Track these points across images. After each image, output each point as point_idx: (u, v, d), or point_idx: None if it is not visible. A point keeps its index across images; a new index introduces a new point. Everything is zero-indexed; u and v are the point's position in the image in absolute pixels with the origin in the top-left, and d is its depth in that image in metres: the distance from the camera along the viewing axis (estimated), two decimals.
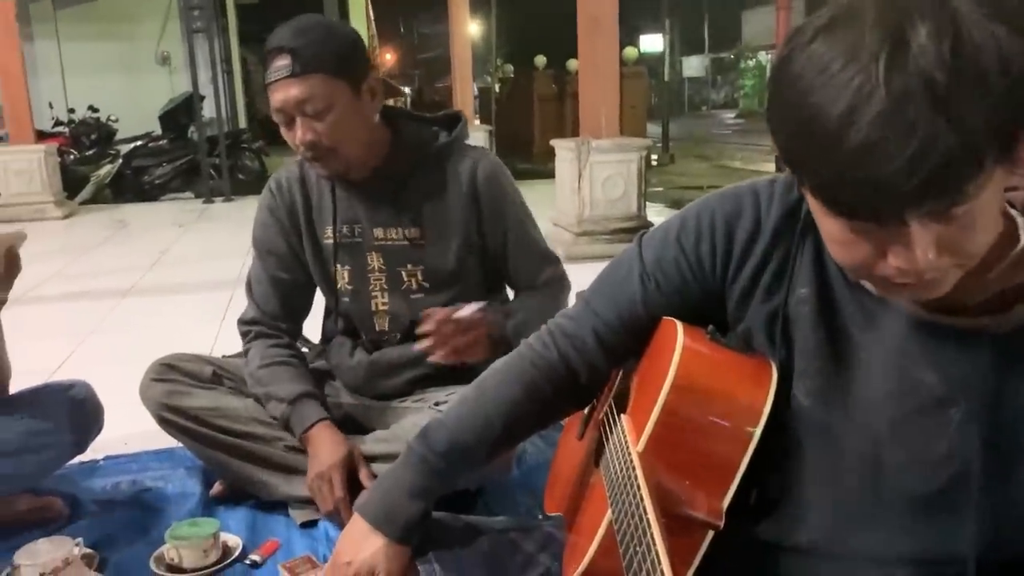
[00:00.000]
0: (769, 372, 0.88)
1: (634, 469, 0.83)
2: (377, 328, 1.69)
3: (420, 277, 1.64)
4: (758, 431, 0.85)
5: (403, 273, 1.64)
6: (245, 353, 1.72)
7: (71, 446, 1.62)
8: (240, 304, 1.78)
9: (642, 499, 0.78)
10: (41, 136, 7.57)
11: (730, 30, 27.50)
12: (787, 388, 0.87)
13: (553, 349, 1.05)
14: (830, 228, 0.70)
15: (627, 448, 0.88)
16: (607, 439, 1.02)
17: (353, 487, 1.51)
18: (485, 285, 1.68)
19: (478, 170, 1.62)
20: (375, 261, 1.65)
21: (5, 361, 1.55)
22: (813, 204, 0.70)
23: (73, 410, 1.60)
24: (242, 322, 1.74)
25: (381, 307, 1.67)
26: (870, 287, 0.79)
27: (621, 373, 1.10)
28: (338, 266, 1.67)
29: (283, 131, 1.53)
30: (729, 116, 24.90)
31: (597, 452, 1.07)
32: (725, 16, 26.63)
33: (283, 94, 1.47)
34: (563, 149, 4.45)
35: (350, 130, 1.51)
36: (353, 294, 1.68)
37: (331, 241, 1.66)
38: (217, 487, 1.73)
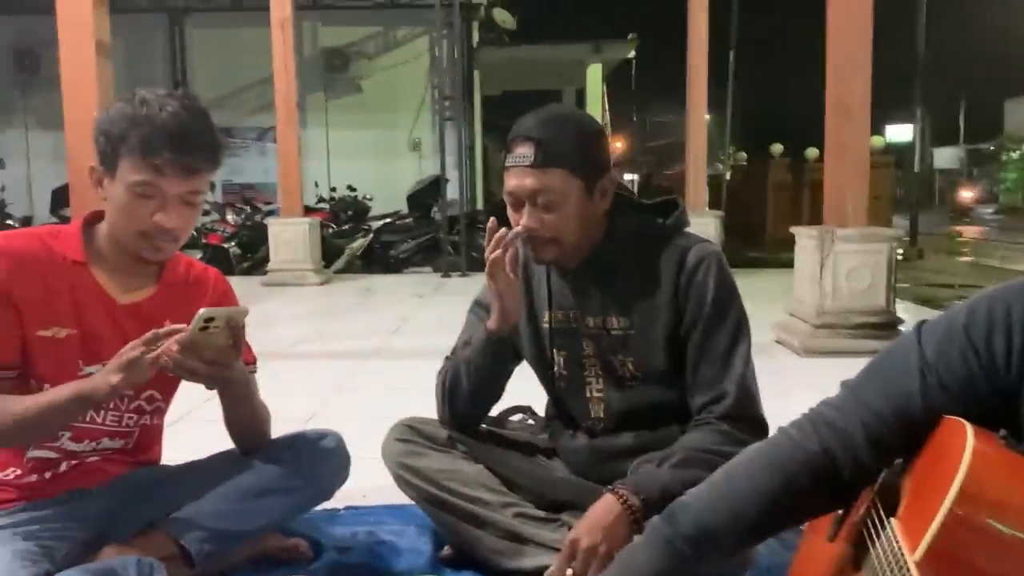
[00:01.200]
0: None
1: None
2: (592, 415, 1.67)
3: (632, 368, 1.60)
4: None
5: (615, 362, 1.61)
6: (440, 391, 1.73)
7: (319, 492, 1.71)
8: None
9: None
10: (307, 211, 8.44)
11: (989, 120, 25.47)
12: None
13: (814, 439, 0.98)
14: None
15: (902, 557, 0.79)
16: (872, 544, 0.93)
17: None
18: None
19: (687, 257, 1.55)
20: (589, 348, 1.63)
21: (263, 411, 1.68)
22: None
23: (324, 459, 1.70)
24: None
25: (596, 394, 1.65)
26: None
27: (884, 472, 1.00)
28: (554, 351, 1.68)
29: (509, 211, 1.57)
30: (987, 211, 22.83)
31: (857, 557, 0.97)
32: (984, 106, 24.76)
33: (519, 181, 1.51)
34: (804, 237, 4.27)
35: (573, 225, 1.53)
36: (568, 379, 1.68)
37: (548, 325, 1.67)
38: (447, 550, 1.76)
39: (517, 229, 1.53)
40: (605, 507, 1.44)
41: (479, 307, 1.76)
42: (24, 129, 11.67)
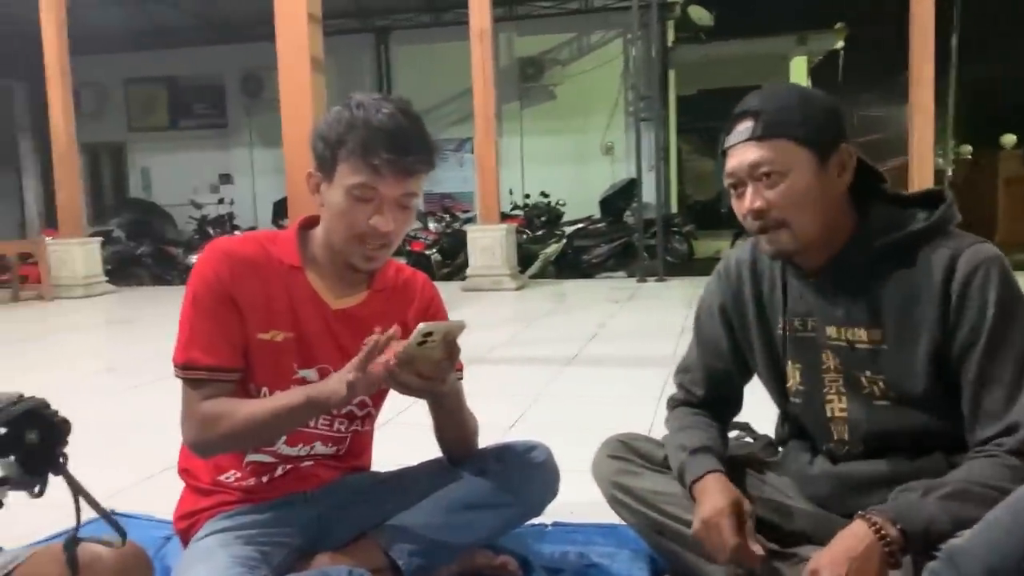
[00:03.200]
0: None
1: None
2: (835, 436, 1.45)
3: (882, 387, 1.37)
4: None
5: (862, 379, 1.39)
6: (666, 422, 1.63)
7: (528, 508, 1.64)
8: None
9: None
10: (503, 217, 8.57)
11: None
12: None
13: None
14: None
15: None
16: None
17: None
18: None
19: (958, 262, 1.29)
20: (830, 360, 1.42)
21: (471, 421, 1.62)
22: None
23: (534, 473, 1.62)
24: (669, 402, 1.66)
25: (838, 413, 1.43)
26: None
27: None
28: (789, 363, 1.48)
29: (733, 201, 1.39)
30: None
31: None
32: None
33: (739, 158, 1.34)
34: None
35: (806, 203, 1.32)
36: (804, 395, 1.47)
37: (781, 333, 1.47)
38: None
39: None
40: (855, 535, 1.23)
41: (703, 339, 1.61)
42: (249, 147, 12.75)
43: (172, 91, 13.05)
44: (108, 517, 1.02)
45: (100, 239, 8.97)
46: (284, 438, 1.50)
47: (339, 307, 1.50)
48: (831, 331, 1.41)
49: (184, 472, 1.55)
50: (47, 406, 0.99)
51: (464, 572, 1.63)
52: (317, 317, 1.48)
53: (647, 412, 2.97)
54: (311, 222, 1.53)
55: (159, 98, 13.11)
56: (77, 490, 0.98)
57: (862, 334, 1.38)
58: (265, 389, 1.45)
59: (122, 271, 9.94)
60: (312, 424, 1.51)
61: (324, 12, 4.43)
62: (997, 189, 11.31)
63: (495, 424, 2.75)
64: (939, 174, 11.14)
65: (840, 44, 12.42)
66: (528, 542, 1.82)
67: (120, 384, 4.15)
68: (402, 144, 1.36)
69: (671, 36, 11.70)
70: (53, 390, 1.16)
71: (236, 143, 12.92)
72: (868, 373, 1.39)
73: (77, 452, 1.02)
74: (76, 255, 8.22)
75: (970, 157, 12.67)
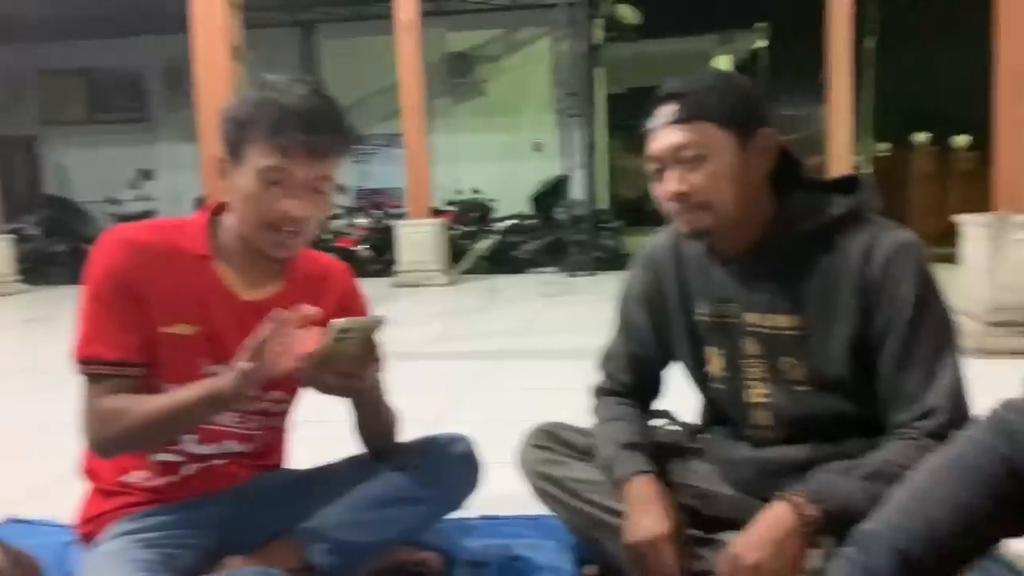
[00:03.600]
0: None
1: None
2: (755, 422, 1.45)
3: (803, 372, 1.38)
4: None
5: (783, 364, 1.39)
6: (592, 411, 1.62)
7: (450, 501, 1.60)
8: None
9: None
10: (434, 213, 8.50)
11: None
12: None
13: (1006, 441, 0.90)
14: None
15: None
16: None
17: None
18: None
19: (874, 249, 1.30)
20: (751, 347, 1.42)
21: (391, 413, 1.57)
22: None
23: (455, 465, 1.58)
24: (594, 390, 1.65)
25: (759, 399, 1.43)
26: None
27: None
28: (709, 348, 1.48)
29: (654, 185, 1.39)
30: None
31: None
32: None
33: (661, 141, 1.34)
34: (974, 226, 3.86)
35: (727, 186, 1.32)
36: (725, 381, 1.47)
37: (702, 319, 1.48)
38: (590, 568, 1.61)
39: None
40: (776, 517, 1.23)
41: (625, 326, 1.61)
42: (171, 142, 12.36)
43: (90, 83, 12.56)
44: None
45: (12, 236, 8.58)
46: (196, 436, 1.43)
47: (250, 299, 1.43)
48: (752, 317, 1.41)
49: (88, 473, 1.47)
50: None
51: (384, 569, 1.59)
52: (226, 310, 1.41)
53: (577, 404, 2.97)
54: (223, 207, 1.45)
55: (76, 90, 12.60)
56: None
57: (782, 320, 1.38)
58: (170, 386, 1.38)
59: (37, 270, 9.52)
60: (223, 421, 1.44)
61: (247, 3, 4.31)
62: (910, 184, 11.73)
63: (421, 419, 2.71)
64: (857, 171, 11.50)
65: (762, 43, 12.72)
66: (454, 537, 1.79)
67: (31, 384, 3.96)
68: (314, 124, 1.30)
69: (599, 34, 11.78)
70: None
71: (158, 138, 12.50)
72: (788, 359, 1.39)
73: None
74: None
75: (888, 154, 13.13)
